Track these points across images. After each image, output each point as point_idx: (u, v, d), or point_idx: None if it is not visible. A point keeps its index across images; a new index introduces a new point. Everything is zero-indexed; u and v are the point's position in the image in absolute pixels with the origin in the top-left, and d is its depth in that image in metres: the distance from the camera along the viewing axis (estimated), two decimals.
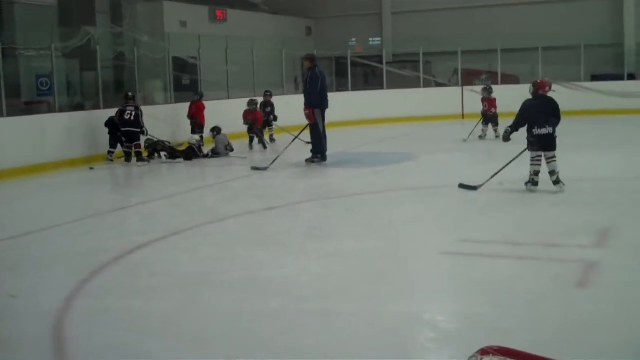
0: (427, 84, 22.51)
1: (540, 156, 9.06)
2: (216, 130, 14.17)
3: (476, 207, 8.44)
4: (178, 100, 17.07)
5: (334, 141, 13.04)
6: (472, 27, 24.10)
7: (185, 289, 5.56)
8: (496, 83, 21.82)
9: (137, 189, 11.53)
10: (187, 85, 18.85)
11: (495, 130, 14.92)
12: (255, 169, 11.89)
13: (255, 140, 15.51)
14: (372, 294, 5.30)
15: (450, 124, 15.13)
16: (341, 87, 22.19)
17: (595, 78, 21.75)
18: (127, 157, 13.37)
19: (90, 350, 4.34)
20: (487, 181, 9.19)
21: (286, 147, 12.69)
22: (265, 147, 15.36)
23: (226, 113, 15.50)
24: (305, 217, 8.45)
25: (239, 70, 18.96)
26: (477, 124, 15.24)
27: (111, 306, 5.17)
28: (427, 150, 14.19)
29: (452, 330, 4.64)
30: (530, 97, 9.42)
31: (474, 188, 9.25)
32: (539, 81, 9.74)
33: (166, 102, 17.39)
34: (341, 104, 17.74)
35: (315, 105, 12.23)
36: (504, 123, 16.36)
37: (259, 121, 15.56)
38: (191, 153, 13.62)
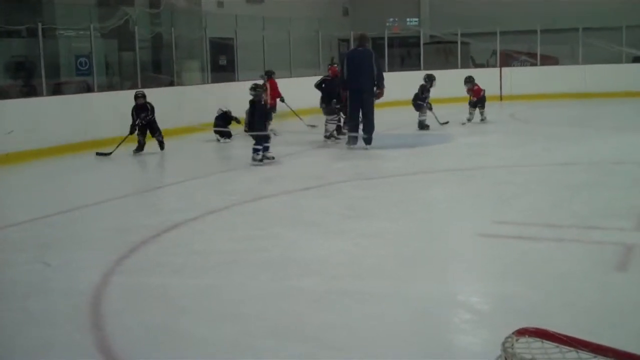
0: (464, 65, 22.28)
1: None
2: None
3: (512, 189, 8.34)
4: (214, 80, 17.13)
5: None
6: (511, 8, 23.73)
7: (220, 268, 5.59)
8: (535, 64, 21.61)
9: (174, 169, 11.59)
10: (223, 65, 18.90)
11: (482, 113, 15.13)
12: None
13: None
14: (407, 275, 5.27)
15: (487, 106, 15.00)
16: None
17: (637, 59, 21.33)
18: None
19: (126, 326, 4.39)
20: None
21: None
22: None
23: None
24: (342, 197, 8.42)
25: (276, 51, 18.93)
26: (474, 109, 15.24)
27: (147, 283, 5.23)
28: (464, 132, 14.09)
29: (488, 311, 4.61)
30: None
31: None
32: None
33: (203, 83, 17.44)
34: None
35: (343, 86, 12.20)
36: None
37: None
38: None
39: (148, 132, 12.19)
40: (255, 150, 10.53)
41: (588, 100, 19.48)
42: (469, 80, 15.37)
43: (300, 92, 15.94)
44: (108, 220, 7.54)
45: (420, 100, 14.48)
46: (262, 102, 10.89)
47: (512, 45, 22.47)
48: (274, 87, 15.40)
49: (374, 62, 11.90)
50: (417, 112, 14.52)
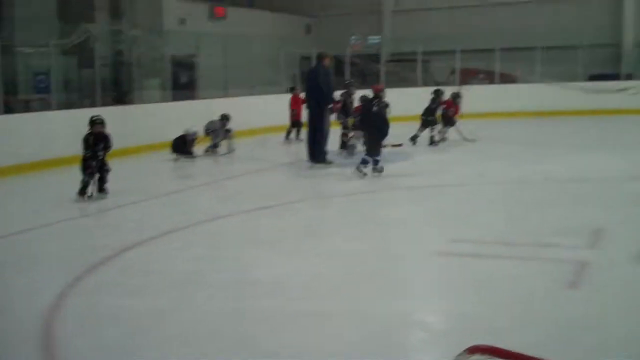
0: (425, 83, 22.48)
1: None
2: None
3: (470, 207, 8.45)
4: (175, 98, 17.07)
5: (330, 140, 13.00)
6: (471, 26, 24.10)
7: (177, 288, 5.56)
8: (493, 82, 21.87)
9: (132, 188, 11.49)
10: (185, 83, 18.84)
11: (457, 132, 15.22)
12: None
13: None
14: (365, 294, 5.30)
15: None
16: (339, 86, 22.12)
17: (592, 78, 21.73)
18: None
19: (79, 349, 4.35)
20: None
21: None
22: None
23: (224, 111, 15.43)
24: (300, 216, 8.45)
25: (237, 69, 18.93)
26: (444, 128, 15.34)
27: (103, 304, 5.18)
28: (423, 149, 14.21)
29: (444, 330, 4.65)
30: None
31: None
32: None
33: (163, 101, 17.36)
34: None
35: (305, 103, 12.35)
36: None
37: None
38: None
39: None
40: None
41: (544, 118, 19.79)
42: (459, 95, 15.47)
43: (261, 110, 15.97)
44: (65, 241, 7.45)
45: (433, 115, 14.75)
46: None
47: (471, 63, 22.72)
48: (299, 102, 15.68)
49: (320, 78, 11.92)
50: (426, 129, 14.78)
